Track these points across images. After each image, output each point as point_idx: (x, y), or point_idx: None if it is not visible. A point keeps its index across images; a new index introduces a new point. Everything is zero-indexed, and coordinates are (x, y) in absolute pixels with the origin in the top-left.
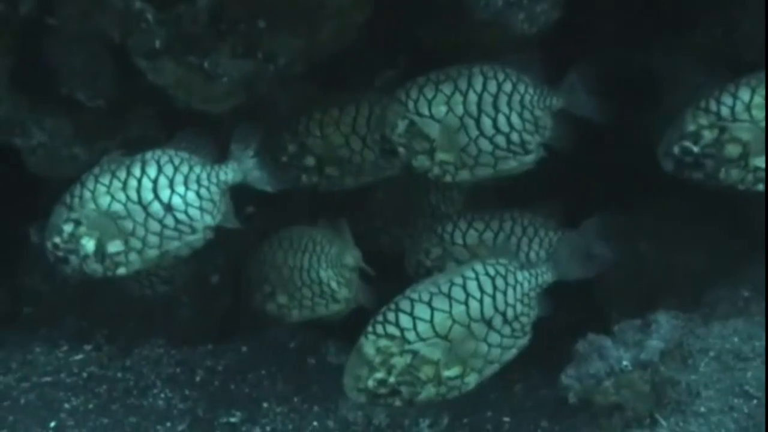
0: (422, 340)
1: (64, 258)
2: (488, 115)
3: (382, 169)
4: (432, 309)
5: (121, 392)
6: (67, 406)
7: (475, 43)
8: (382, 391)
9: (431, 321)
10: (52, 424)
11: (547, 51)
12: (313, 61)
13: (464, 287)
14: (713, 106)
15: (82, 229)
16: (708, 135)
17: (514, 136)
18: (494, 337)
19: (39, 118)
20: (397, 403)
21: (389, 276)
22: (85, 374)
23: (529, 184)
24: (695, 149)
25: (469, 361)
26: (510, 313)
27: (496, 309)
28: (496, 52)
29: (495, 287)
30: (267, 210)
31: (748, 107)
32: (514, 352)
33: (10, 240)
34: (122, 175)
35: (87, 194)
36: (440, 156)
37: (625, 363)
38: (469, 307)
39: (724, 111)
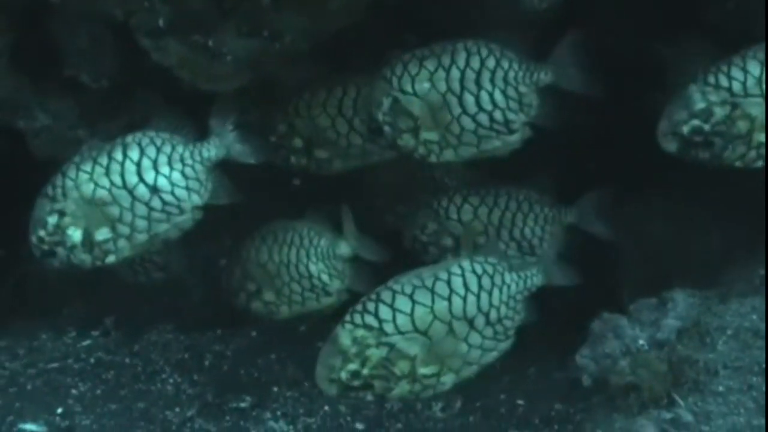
0: (400, 333)
1: (51, 251)
2: (471, 92)
3: (369, 153)
4: (413, 302)
5: (129, 378)
6: (74, 392)
7: (486, 20)
8: (355, 383)
9: (411, 314)
10: (59, 410)
11: (557, 27)
12: (319, 40)
13: (449, 283)
14: (724, 82)
15: (67, 219)
16: (719, 112)
17: (497, 114)
18: (475, 338)
19: (43, 100)
20: (369, 397)
21: (393, 255)
22: (92, 360)
23: (528, 161)
24: (706, 127)
25: (447, 360)
26: (494, 314)
27: (479, 309)
28: (506, 28)
29: (481, 286)
30: (266, 195)
31: (759, 81)
32: (494, 355)
33: (16, 225)
34: (104, 160)
35: (69, 183)
36: (424, 135)
37: (641, 342)
38: (452, 304)
39: (736, 86)
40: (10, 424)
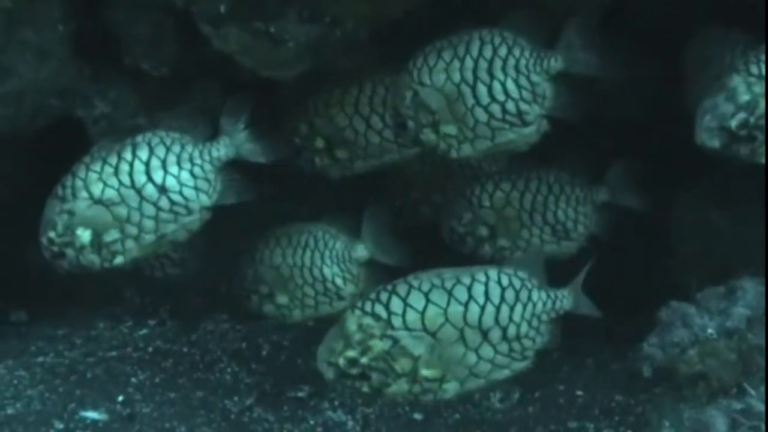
0: (407, 329)
1: (60, 252)
2: (483, 82)
3: (388, 151)
4: (428, 301)
5: (188, 366)
6: (134, 380)
7: (544, 10)
8: (352, 371)
9: (423, 313)
10: (120, 398)
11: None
12: (378, 26)
13: (469, 289)
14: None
15: (76, 219)
16: (763, 104)
17: (510, 105)
18: (487, 351)
19: (102, 88)
20: (365, 389)
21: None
22: (150, 349)
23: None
24: (751, 120)
25: (452, 368)
26: (512, 330)
27: (497, 322)
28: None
29: (503, 299)
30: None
31: None
32: (506, 373)
33: None
34: (113, 160)
35: (79, 183)
36: (443, 128)
37: (710, 331)
38: (468, 311)
39: None
40: (71, 411)
